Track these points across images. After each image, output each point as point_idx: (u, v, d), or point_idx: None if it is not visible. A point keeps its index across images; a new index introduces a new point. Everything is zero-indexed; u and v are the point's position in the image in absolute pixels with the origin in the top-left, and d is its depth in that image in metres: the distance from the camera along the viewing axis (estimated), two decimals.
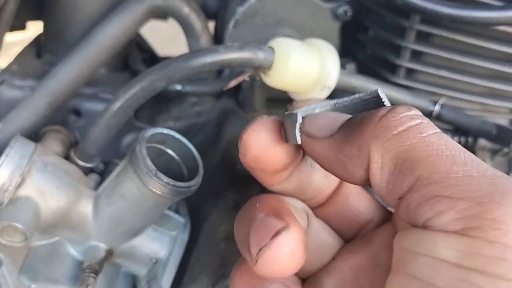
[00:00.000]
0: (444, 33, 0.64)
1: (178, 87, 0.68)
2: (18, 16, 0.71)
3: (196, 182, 0.51)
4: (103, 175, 0.63)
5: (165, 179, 0.49)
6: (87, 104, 0.68)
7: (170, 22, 0.77)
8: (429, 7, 0.54)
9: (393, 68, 0.69)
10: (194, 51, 0.53)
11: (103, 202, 0.53)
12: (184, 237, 0.58)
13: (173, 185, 0.49)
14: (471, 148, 0.69)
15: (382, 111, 0.30)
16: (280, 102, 0.74)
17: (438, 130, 0.30)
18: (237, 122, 0.68)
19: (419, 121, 0.30)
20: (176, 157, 0.55)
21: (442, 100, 0.67)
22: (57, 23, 0.71)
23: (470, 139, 0.68)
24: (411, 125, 0.29)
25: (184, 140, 0.54)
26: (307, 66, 0.56)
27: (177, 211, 0.61)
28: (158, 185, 0.49)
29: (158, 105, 0.76)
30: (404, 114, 0.30)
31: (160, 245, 0.58)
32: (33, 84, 0.67)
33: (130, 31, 0.65)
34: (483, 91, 0.71)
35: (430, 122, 0.30)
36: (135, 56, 0.76)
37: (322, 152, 0.32)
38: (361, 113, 0.31)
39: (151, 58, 0.86)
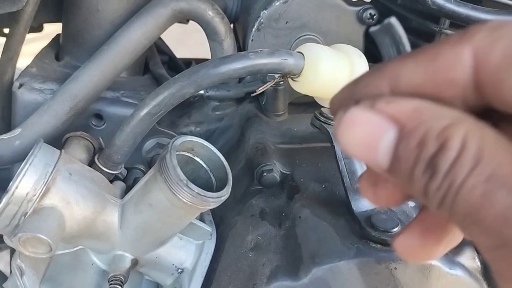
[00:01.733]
0: None
1: (201, 91, 0.67)
2: (35, 18, 0.70)
3: (226, 192, 0.50)
4: (125, 181, 0.62)
5: (196, 189, 0.47)
6: (108, 108, 0.67)
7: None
8: (464, 13, 0.53)
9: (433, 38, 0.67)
10: (224, 57, 0.52)
11: (130, 211, 0.52)
12: (210, 246, 0.57)
13: (204, 196, 0.48)
14: None
15: None
16: (302, 106, 0.72)
17: None
18: (260, 127, 0.66)
19: None
20: (204, 165, 0.54)
21: None
22: (77, 26, 0.70)
23: None
24: None
25: (212, 148, 0.53)
26: (337, 72, 0.54)
27: (201, 219, 0.59)
28: (189, 195, 0.47)
29: (179, 109, 0.75)
30: None
31: (186, 254, 0.56)
32: (53, 87, 0.66)
33: (153, 35, 0.64)
34: None
35: None
36: (155, 59, 0.75)
37: None
38: None
39: (170, 60, 0.85)
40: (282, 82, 0.67)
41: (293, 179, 0.58)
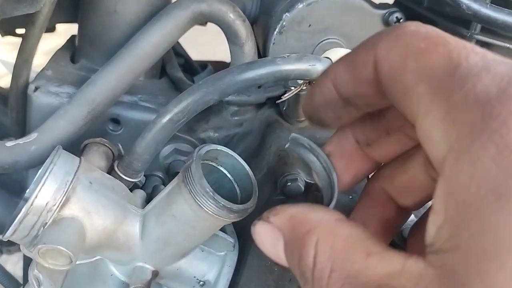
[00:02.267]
0: (506, 44, 0.60)
1: None
2: (50, 19, 0.68)
3: (252, 204, 0.48)
4: (144, 188, 0.60)
5: (222, 201, 0.45)
6: (125, 113, 0.65)
7: None
8: (500, 18, 0.51)
9: None
10: (250, 62, 0.50)
11: (151, 222, 0.50)
12: (233, 257, 0.55)
13: (230, 208, 0.46)
14: None
15: None
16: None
17: None
18: (281, 134, 0.65)
19: None
20: (228, 175, 0.52)
21: None
22: (94, 27, 0.68)
23: None
24: None
25: (237, 157, 0.51)
26: None
27: (223, 230, 0.57)
28: (214, 207, 0.46)
29: (199, 117, 0.73)
30: None
31: (208, 266, 0.55)
32: (69, 91, 0.64)
33: (173, 38, 0.62)
34: None
35: None
36: (172, 61, 0.73)
37: None
38: None
39: (186, 63, 0.83)
40: (305, 88, 0.66)
41: (317, 189, 0.56)
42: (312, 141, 0.65)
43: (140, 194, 0.55)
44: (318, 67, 0.51)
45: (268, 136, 0.65)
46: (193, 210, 0.47)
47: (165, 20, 0.61)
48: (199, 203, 0.46)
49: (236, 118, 0.69)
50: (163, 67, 0.74)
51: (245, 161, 0.54)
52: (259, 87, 0.69)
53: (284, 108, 0.67)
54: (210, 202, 0.45)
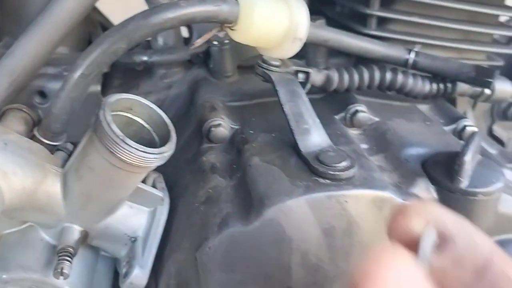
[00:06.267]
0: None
1: (144, 57, 0.65)
2: None
3: (169, 148, 0.48)
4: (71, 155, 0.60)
5: (134, 145, 0.45)
6: (50, 84, 0.64)
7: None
8: None
9: (364, 20, 0.66)
10: (154, 7, 0.50)
11: (71, 179, 0.50)
12: (163, 211, 0.54)
13: (144, 151, 0.45)
14: (451, 95, 0.66)
15: None
16: (252, 68, 0.71)
17: None
18: (209, 88, 0.65)
19: None
20: (145, 125, 0.51)
21: (417, 47, 0.64)
22: (12, 4, 0.67)
23: (449, 85, 0.65)
24: None
25: (153, 105, 0.51)
26: (274, 17, 0.53)
27: (154, 186, 0.57)
28: (127, 153, 0.45)
29: (127, 83, 0.73)
30: None
31: (138, 223, 0.54)
32: None
33: (88, 2, 0.61)
34: (458, 37, 0.68)
35: None
36: (97, 33, 0.73)
37: None
38: None
39: None
40: (227, 42, 0.66)
41: (242, 132, 0.56)
42: (240, 93, 0.65)
43: (61, 155, 0.54)
44: (223, 8, 0.51)
45: (196, 93, 0.65)
46: (106, 158, 0.46)
47: None
48: (111, 150, 0.45)
49: (165, 81, 0.69)
50: (90, 40, 0.74)
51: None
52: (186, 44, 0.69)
53: (211, 65, 0.67)
54: (121, 147, 0.45)
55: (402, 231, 0.31)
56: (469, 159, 0.48)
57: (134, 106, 0.51)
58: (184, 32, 0.74)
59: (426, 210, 0.31)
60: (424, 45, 0.67)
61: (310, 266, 0.46)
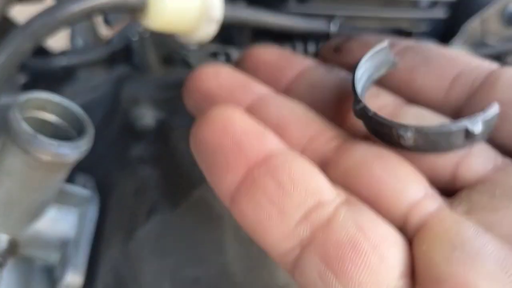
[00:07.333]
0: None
1: (64, 61, 0.63)
2: None
3: (85, 142, 0.46)
4: None
5: (47, 140, 0.43)
6: None
7: None
8: None
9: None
10: (58, 2, 0.49)
11: None
12: (93, 210, 0.53)
13: (58, 146, 0.44)
14: None
15: None
16: (179, 61, 0.70)
17: None
18: (133, 83, 0.63)
19: None
20: (61, 122, 0.50)
21: (337, 19, 0.64)
22: None
23: None
24: None
25: (66, 102, 0.49)
26: (185, 1, 0.52)
27: (84, 187, 0.55)
28: (41, 149, 0.43)
29: (51, 91, 0.70)
30: None
31: (67, 225, 0.52)
32: None
33: None
34: (380, 4, 0.69)
35: None
36: None
37: None
38: None
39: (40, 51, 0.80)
40: (147, 35, 0.65)
41: (168, 121, 0.55)
42: (165, 85, 0.65)
43: None
44: None
45: (121, 90, 0.64)
46: (21, 159, 0.45)
47: None
48: (25, 149, 0.44)
49: (89, 83, 0.67)
50: None
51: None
52: (108, 43, 0.68)
53: (135, 61, 0.66)
54: (34, 144, 0.43)
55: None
56: None
57: (47, 105, 0.49)
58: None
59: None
60: (347, 18, 0.67)
61: (244, 240, 0.45)
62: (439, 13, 0.78)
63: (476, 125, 0.27)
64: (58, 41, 0.68)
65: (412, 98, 0.34)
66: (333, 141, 0.31)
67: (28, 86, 0.71)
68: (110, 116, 0.62)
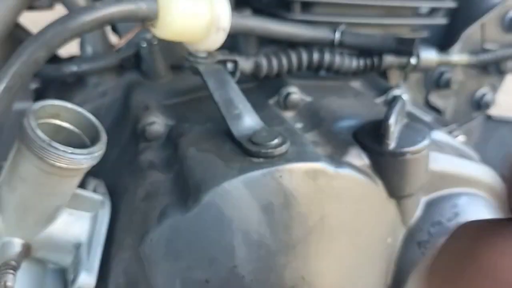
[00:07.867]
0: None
1: (74, 67, 0.65)
2: None
3: (98, 148, 0.48)
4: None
5: (61, 147, 0.45)
6: None
7: None
8: None
9: (288, 6, 0.68)
10: (70, 12, 0.50)
11: (5, 192, 0.49)
12: (105, 214, 0.54)
13: (72, 153, 0.45)
14: (379, 69, 0.69)
15: None
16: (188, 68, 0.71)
17: None
18: (142, 90, 0.65)
19: None
20: (74, 129, 0.51)
21: (341, 27, 0.66)
22: None
23: (375, 59, 0.68)
24: None
25: (79, 109, 0.51)
26: (194, 10, 0.53)
27: (95, 191, 0.57)
28: (55, 156, 0.45)
29: (61, 97, 0.72)
30: None
31: (79, 229, 0.54)
32: None
33: (8, 18, 0.61)
34: (382, 12, 0.71)
35: None
36: None
37: None
38: None
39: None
40: (156, 43, 0.66)
41: (177, 127, 0.57)
42: (173, 91, 0.66)
43: None
44: (142, 6, 0.51)
45: (131, 96, 0.65)
46: (36, 166, 0.46)
47: None
48: (39, 156, 0.45)
49: (99, 89, 0.68)
50: None
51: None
52: (118, 51, 0.69)
53: (143, 68, 0.67)
54: (49, 151, 0.45)
55: None
56: (393, 122, 0.50)
57: (61, 112, 0.50)
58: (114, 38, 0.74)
59: None
60: (350, 25, 0.69)
61: (253, 243, 0.47)
62: (439, 20, 0.79)
63: None
64: (68, 48, 0.70)
65: None
66: None
67: (39, 92, 0.72)
68: (121, 122, 0.64)
